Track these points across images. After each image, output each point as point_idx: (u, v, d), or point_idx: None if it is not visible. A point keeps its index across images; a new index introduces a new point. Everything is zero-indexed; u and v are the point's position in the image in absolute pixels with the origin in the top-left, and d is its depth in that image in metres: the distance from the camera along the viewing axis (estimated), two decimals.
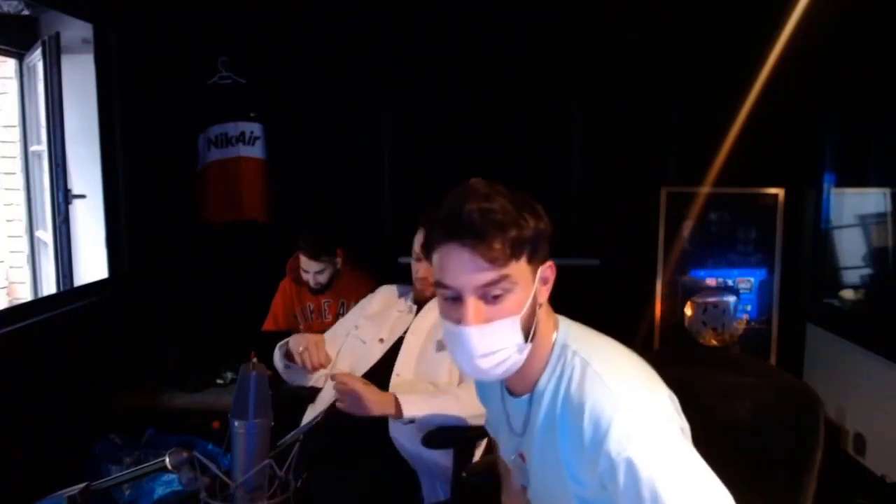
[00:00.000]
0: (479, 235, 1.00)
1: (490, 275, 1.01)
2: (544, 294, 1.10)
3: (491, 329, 1.03)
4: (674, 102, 3.22)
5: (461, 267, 1.02)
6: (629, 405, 0.99)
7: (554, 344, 1.11)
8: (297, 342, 1.97)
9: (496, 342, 1.04)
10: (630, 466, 0.95)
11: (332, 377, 1.86)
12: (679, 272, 3.14)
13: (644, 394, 1.02)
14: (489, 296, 1.02)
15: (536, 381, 1.11)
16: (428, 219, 1.09)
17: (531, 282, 1.05)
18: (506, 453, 1.28)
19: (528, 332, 1.06)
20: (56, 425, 2.41)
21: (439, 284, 1.06)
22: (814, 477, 1.18)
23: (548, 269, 1.10)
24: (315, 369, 1.94)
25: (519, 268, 1.03)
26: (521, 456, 1.19)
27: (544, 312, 1.11)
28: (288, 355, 2.02)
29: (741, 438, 1.27)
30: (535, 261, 1.06)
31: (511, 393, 1.18)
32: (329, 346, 2.08)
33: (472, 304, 1.02)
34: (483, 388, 1.35)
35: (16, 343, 2.28)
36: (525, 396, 1.14)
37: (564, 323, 1.15)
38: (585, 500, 1.06)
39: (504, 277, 1.01)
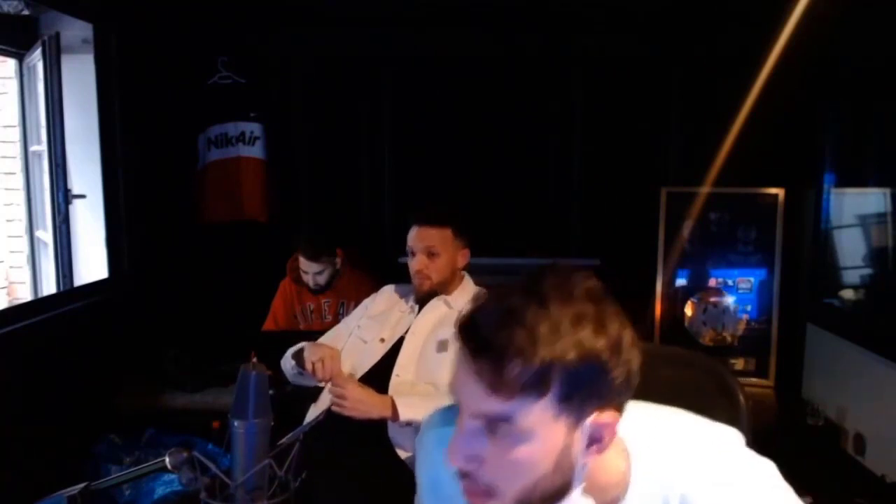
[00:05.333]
0: (483, 348, 0.72)
1: (489, 405, 0.73)
2: (591, 455, 0.77)
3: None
4: (674, 102, 3.22)
5: (458, 380, 0.77)
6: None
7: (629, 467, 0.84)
8: (312, 352, 1.89)
9: None
10: None
11: (330, 381, 1.85)
12: (679, 272, 3.15)
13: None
14: (491, 429, 0.75)
15: None
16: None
17: (560, 435, 0.74)
18: None
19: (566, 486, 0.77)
20: (56, 425, 2.40)
21: None
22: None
23: (604, 422, 0.75)
24: (324, 381, 1.87)
25: (535, 411, 0.72)
26: None
27: (601, 458, 0.79)
28: (299, 362, 1.95)
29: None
30: (573, 407, 0.73)
31: None
32: (332, 344, 2.08)
33: (464, 429, 0.76)
34: None
35: (16, 343, 2.28)
36: None
37: (630, 440, 0.84)
38: None
39: (505, 415, 0.73)
